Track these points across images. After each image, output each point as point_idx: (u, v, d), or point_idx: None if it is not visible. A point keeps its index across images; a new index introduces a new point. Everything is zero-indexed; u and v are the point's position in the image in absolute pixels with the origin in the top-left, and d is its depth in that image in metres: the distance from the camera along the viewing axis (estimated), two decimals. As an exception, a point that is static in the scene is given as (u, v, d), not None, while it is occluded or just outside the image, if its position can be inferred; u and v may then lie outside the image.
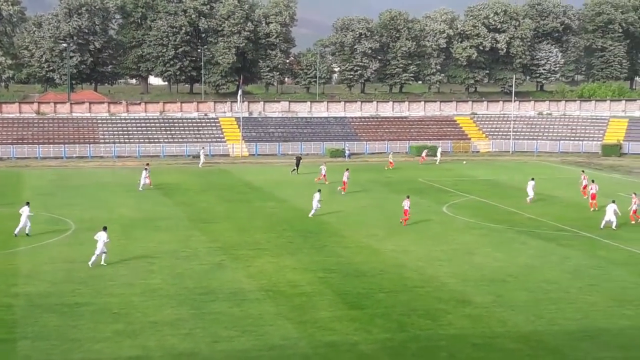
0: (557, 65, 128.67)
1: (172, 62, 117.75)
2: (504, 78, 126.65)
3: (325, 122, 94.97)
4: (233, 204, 51.99)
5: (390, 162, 74.26)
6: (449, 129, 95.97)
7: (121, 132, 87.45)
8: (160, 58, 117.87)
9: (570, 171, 72.91)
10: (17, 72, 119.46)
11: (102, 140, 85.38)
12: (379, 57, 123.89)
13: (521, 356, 23.79)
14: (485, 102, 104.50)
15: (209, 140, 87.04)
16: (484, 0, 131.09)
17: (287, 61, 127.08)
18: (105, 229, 34.50)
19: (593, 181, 52.30)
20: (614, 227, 42.88)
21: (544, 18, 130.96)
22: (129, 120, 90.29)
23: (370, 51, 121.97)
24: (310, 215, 46.53)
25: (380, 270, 33.71)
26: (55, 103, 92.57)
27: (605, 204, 45.47)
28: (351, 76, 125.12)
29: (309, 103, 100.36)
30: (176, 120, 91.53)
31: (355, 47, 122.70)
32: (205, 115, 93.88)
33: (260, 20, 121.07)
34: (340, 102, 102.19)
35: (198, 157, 77.97)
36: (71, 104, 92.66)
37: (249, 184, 62.91)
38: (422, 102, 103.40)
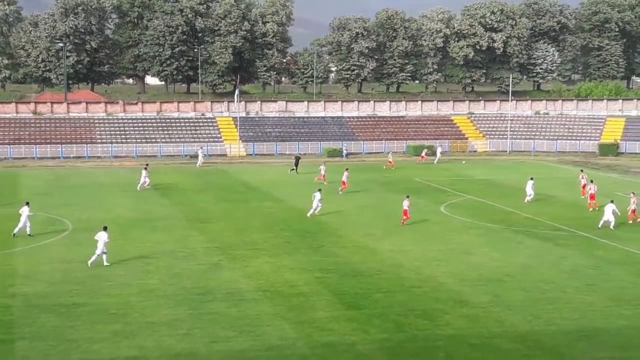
0: (554, 64, 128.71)
1: (168, 62, 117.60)
2: (500, 77, 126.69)
3: (322, 122, 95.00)
4: (230, 204, 51.99)
5: (390, 162, 74.31)
6: (446, 129, 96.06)
7: (118, 132, 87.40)
8: (157, 58, 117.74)
9: (567, 171, 73.02)
10: (14, 72, 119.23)
11: (99, 140, 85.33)
12: (376, 57, 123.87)
13: (518, 356, 23.81)
14: (482, 102, 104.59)
15: (206, 140, 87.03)
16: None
17: (284, 61, 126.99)
18: (105, 229, 34.50)
19: (592, 181, 52.32)
20: (611, 227, 42.92)
21: (540, 17, 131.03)
22: (126, 120, 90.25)
23: (367, 50, 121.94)
24: (308, 214, 46.55)
25: (377, 270, 33.73)
26: (52, 103, 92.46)
27: (604, 203, 45.51)
28: (348, 76, 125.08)
29: (306, 103, 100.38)
30: (173, 120, 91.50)
31: (352, 46, 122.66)
32: (203, 115, 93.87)
33: (257, 19, 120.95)
34: (337, 101, 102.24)
35: (196, 156, 77.98)
36: (68, 103, 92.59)
37: (247, 183, 62.91)
38: (419, 102, 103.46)
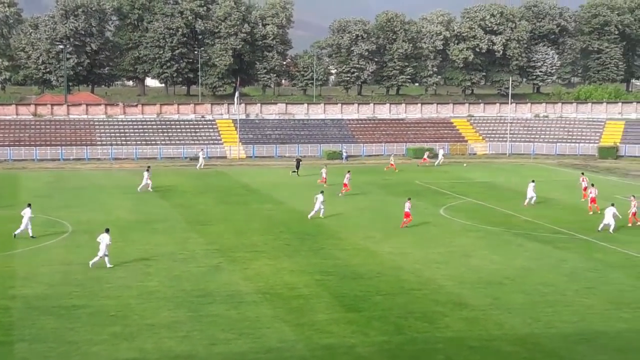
0: (554, 67, 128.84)
1: (168, 64, 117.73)
2: (500, 80, 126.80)
3: (322, 124, 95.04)
4: (230, 206, 51.99)
5: (392, 164, 74.35)
6: (445, 131, 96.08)
7: (118, 134, 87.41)
8: (157, 60, 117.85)
9: (566, 173, 73.04)
10: (14, 73, 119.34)
11: (99, 142, 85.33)
12: (376, 59, 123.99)
13: (518, 359, 23.82)
14: (481, 104, 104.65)
15: (206, 142, 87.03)
16: (480, 2, 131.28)
17: (284, 63, 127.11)
18: (107, 230, 34.56)
19: (593, 185, 52.30)
20: (611, 230, 42.92)
21: (540, 20, 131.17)
22: (125, 122, 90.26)
23: (367, 53, 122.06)
24: (309, 216, 46.57)
25: (377, 272, 33.74)
26: (52, 105, 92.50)
27: (604, 207, 45.50)
28: (348, 78, 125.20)
29: (305, 105, 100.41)
30: (173, 122, 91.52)
31: (352, 49, 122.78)
32: (202, 117, 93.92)
33: (257, 22, 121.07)
34: (337, 104, 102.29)
35: (196, 159, 77.99)
36: (68, 105, 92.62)
37: (246, 186, 62.90)
38: (419, 104, 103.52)
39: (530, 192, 52.75)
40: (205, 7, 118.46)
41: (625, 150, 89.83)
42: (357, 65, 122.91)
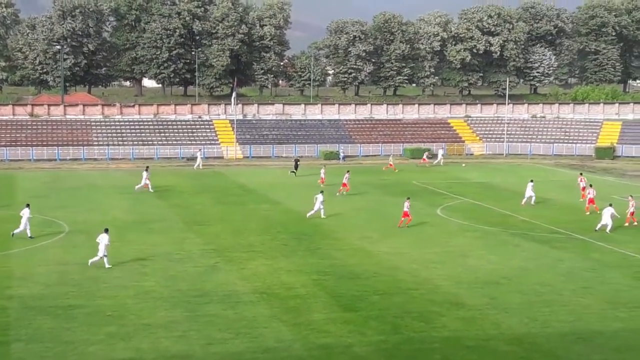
0: (551, 68, 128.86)
1: (166, 65, 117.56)
2: (497, 81, 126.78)
3: (319, 125, 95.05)
4: (227, 207, 51.97)
5: (391, 164, 74.41)
6: (442, 132, 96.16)
7: (115, 135, 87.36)
8: (154, 60, 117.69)
9: (563, 174, 73.14)
10: (11, 74, 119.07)
11: (96, 143, 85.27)
12: (373, 60, 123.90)
13: (515, 358, 23.83)
14: (479, 105, 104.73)
15: (203, 142, 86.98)
16: (477, 3, 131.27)
17: (281, 64, 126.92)
18: (106, 231, 34.51)
19: (591, 185, 52.30)
20: (608, 230, 42.96)
21: (537, 21, 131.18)
22: (122, 123, 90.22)
23: (364, 54, 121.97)
24: (308, 215, 46.59)
25: (374, 272, 33.74)
26: (48, 105, 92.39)
27: (602, 207, 45.53)
28: (345, 79, 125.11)
29: (303, 105, 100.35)
30: (170, 123, 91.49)
31: (350, 49, 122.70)
32: (199, 117, 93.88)
33: (255, 22, 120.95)
34: (334, 104, 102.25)
35: (193, 159, 77.91)
36: (65, 106, 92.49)
37: (243, 186, 62.89)
38: (416, 105, 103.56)
39: (529, 192, 52.84)
40: (202, 8, 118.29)
41: (622, 150, 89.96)
42: (355, 66, 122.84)
